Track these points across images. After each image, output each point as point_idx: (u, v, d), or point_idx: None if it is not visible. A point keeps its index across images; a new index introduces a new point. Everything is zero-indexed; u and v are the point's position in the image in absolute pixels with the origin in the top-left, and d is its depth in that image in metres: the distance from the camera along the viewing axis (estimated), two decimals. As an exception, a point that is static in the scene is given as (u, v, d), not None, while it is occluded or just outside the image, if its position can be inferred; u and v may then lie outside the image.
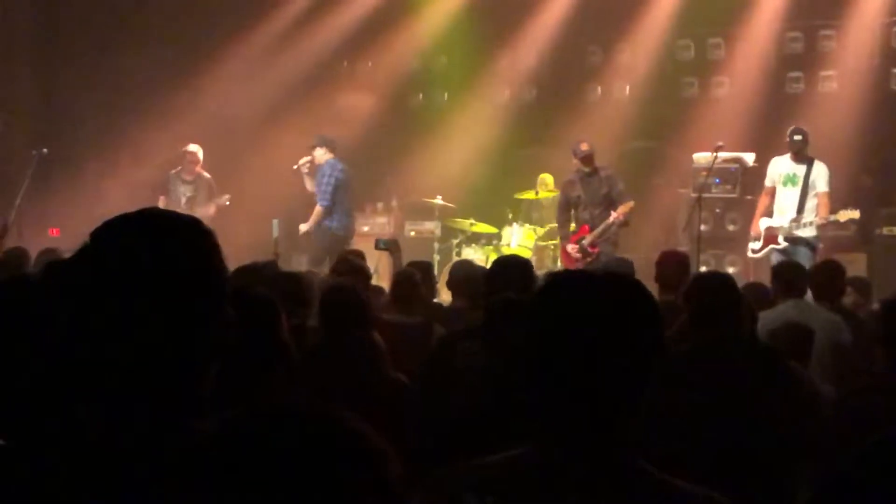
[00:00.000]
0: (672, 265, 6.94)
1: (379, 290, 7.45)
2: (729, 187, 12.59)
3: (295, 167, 11.73)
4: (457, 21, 14.60)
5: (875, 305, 7.15)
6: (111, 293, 1.57)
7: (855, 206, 10.44)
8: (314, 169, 11.70)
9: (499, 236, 12.81)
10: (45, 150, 11.70)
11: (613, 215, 10.73)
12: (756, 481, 3.97)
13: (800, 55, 13.68)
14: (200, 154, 12.45)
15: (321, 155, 11.60)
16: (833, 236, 12.14)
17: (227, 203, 12.45)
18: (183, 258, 1.64)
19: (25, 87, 14.24)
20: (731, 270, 11.23)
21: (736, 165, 12.50)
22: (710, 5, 13.68)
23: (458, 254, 12.70)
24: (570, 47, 14.45)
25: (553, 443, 1.95)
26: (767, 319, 5.98)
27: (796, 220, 10.27)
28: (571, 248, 11.04)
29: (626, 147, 13.58)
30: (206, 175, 12.53)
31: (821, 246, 11.09)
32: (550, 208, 12.75)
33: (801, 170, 10.36)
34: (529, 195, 12.85)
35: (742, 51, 13.82)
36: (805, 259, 9.73)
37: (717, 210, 12.49)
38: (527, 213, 13.29)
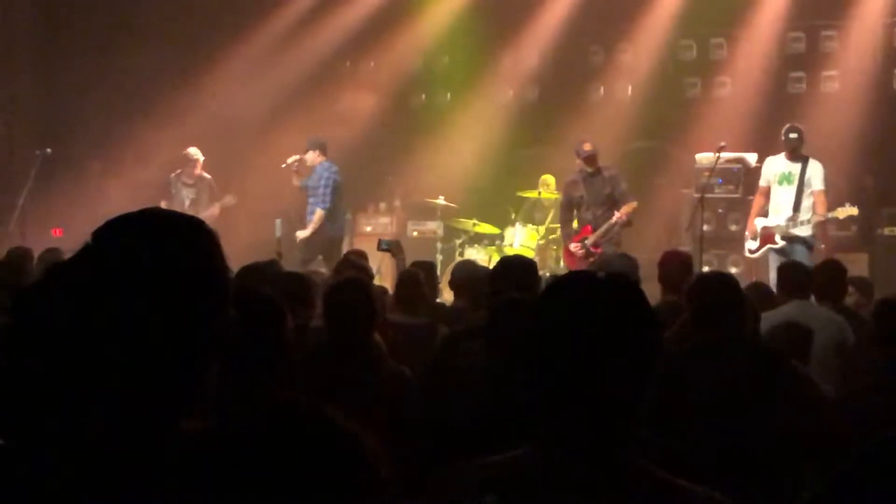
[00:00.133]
0: (674, 265, 6.92)
1: (382, 290, 7.45)
2: (731, 187, 12.58)
3: (284, 165, 11.76)
4: (459, 21, 14.60)
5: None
6: (112, 293, 1.57)
7: (858, 207, 10.43)
8: (303, 169, 11.72)
9: (501, 236, 12.81)
10: (48, 151, 11.72)
11: (616, 215, 10.73)
12: (758, 481, 3.98)
13: (802, 55, 13.68)
14: (200, 156, 12.45)
15: (314, 158, 11.61)
16: (835, 236, 12.15)
17: (234, 203, 12.46)
18: (184, 258, 1.64)
19: (27, 87, 14.25)
20: (733, 270, 11.23)
21: (738, 165, 12.49)
22: (712, 5, 13.67)
23: (461, 254, 12.70)
24: (573, 47, 14.45)
25: (554, 443, 1.95)
26: (771, 320, 5.98)
27: (792, 219, 10.25)
28: (574, 247, 11.04)
29: (629, 147, 13.57)
30: (207, 176, 12.53)
31: (822, 247, 11.10)
32: (553, 208, 12.75)
33: (796, 168, 10.34)
34: (532, 194, 12.85)
35: (744, 51, 13.82)
36: (802, 257, 9.73)
37: (720, 210, 12.48)
38: (529, 214, 13.28)
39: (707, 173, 11.39)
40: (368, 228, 14.41)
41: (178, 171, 12.51)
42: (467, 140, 14.39)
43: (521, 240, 12.51)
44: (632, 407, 1.95)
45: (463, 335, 4.84)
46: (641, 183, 12.30)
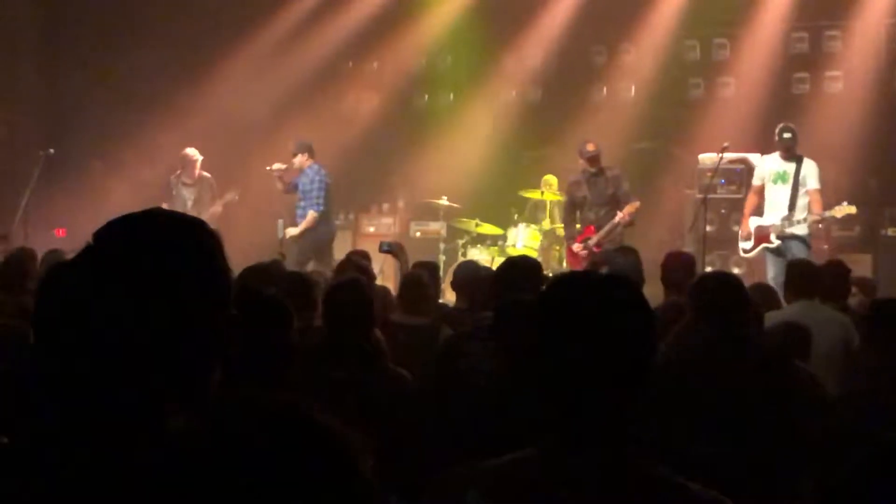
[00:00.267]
0: (677, 266, 6.92)
1: (384, 290, 7.45)
2: (734, 188, 12.58)
3: (268, 168, 11.77)
4: (462, 21, 14.61)
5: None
6: (113, 293, 1.57)
7: (862, 208, 10.41)
8: (288, 173, 11.72)
9: (504, 237, 12.80)
10: (51, 151, 11.72)
11: (619, 216, 10.72)
12: (762, 481, 3.97)
13: (805, 56, 13.67)
14: (199, 156, 12.45)
15: (302, 160, 11.62)
16: (838, 237, 12.14)
17: (237, 198, 12.45)
18: (186, 259, 1.64)
19: (31, 87, 14.26)
20: (736, 271, 11.21)
21: (741, 166, 12.48)
22: (715, 6, 13.68)
23: (464, 254, 12.70)
24: (576, 48, 14.45)
25: (555, 444, 1.95)
26: (778, 319, 5.99)
27: (788, 218, 10.22)
28: (577, 247, 11.05)
29: (632, 147, 13.56)
30: (207, 175, 12.52)
31: (825, 247, 11.08)
32: (555, 209, 12.76)
33: (790, 167, 10.31)
34: (535, 194, 12.85)
35: (748, 51, 13.81)
36: (801, 254, 9.72)
37: (723, 211, 12.48)
38: (532, 214, 13.28)
39: (710, 174, 11.39)
40: (371, 229, 14.41)
41: (178, 172, 12.50)
42: (470, 140, 14.40)
43: (524, 240, 12.51)
44: (633, 408, 1.95)
45: (465, 336, 4.84)
46: (644, 183, 12.29)
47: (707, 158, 12.21)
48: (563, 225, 11.65)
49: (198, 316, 1.62)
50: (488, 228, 12.95)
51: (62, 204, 12.60)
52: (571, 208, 11.22)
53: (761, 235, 10.42)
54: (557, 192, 12.50)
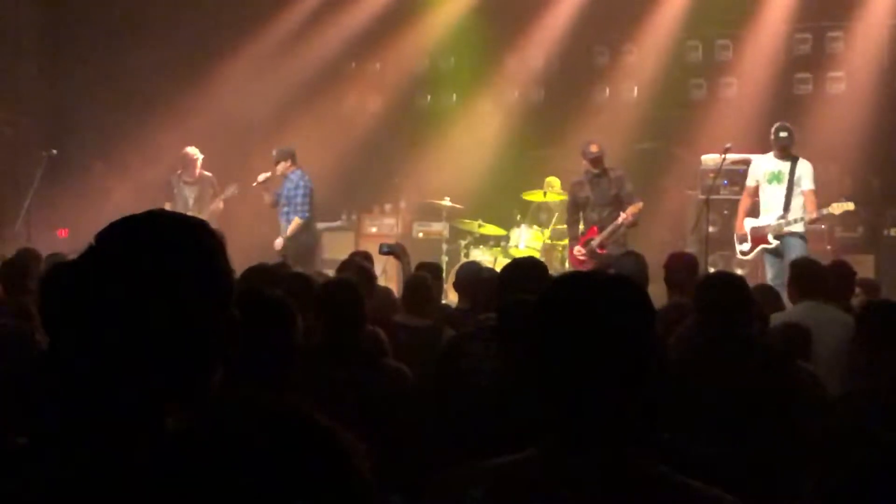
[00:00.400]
0: (680, 267, 6.92)
1: (386, 290, 7.45)
2: (737, 189, 12.52)
3: (255, 184, 11.76)
4: (465, 22, 14.61)
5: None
6: (114, 294, 1.57)
7: (864, 208, 10.40)
8: (273, 182, 11.71)
9: (507, 238, 12.80)
10: (53, 152, 11.72)
11: (622, 217, 10.71)
12: (763, 482, 3.97)
13: (808, 56, 13.67)
14: (199, 155, 12.45)
15: (284, 167, 11.60)
16: (841, 238, 12.13)
17: (237, 192, 12.44)
18: (187, 259, 1.64)
19: (33, 88, 14.26)
20: (738, 272, 11.20)
21: (744, 167, 12.41)
22: (717, 6, 13.67)
23: (467, 255, 12.69)
24: (578, 48, 14.45)
25: (558, 445, 1.95)
26: (784, 320, 5.99)
27: (783, 218, 10.21)
28: (579, 249, 11.05)
29: (634, 148, 13.55)
30: (208, 174, 12.53)
31: (829, 248, 11.07)
32: (558, 209, 12.76)
33: (785, 167, 10.30)
34: (538, 196, 12.85)
35: (750, 52, 13.80)
36: (800, 251, 9.71)
37: (725, 212, 12.46)
38: (535, 215, 13.29)
39: (712, 175, 11.38)
40: (374, 229, 14.41)
41: (179, 171, 12.51)
42: (473, 141, 14.40)
43: (527, 241, 12.51)
44: (635, 408, 1.95)
45: (467, 337, 4.84)
46: (647, 184, 12.28)
47: (709, 159, 12.20)
48: (566, 226, 11.65)
49: (199, 316, 1.62)
50: (491, 229, 12.96)
51: (65, 204, 12.60)
52: (574, 209, 11.22)
53: (758, 237, 10.40)
54: (560, 192, 12.50)
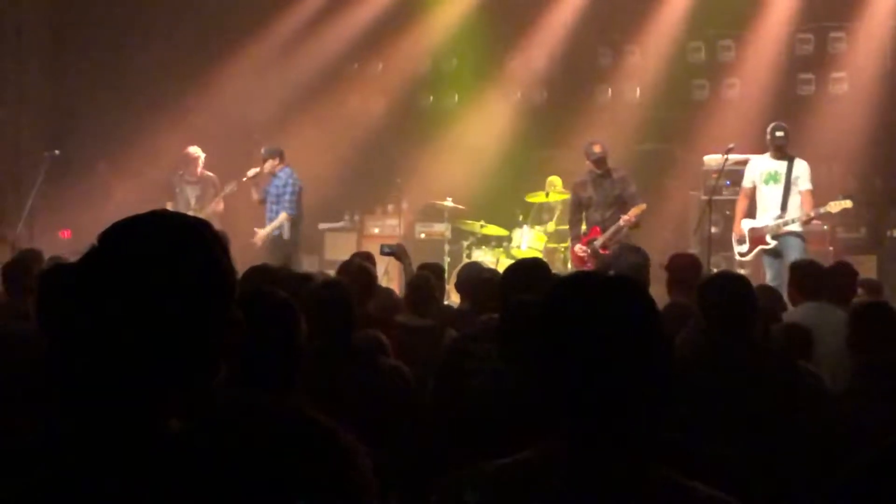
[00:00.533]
0: (683, 267, 6.90)
1: (389, 291, 7.46)
2: (739, 189, 12.56)
3: (244, 178, 11.81)
4: (467, 23, 14.61)
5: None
6: (115, 294, 1.58)
7: (867, 208, 10.39)
8: (261, 180, 11.74)
9: (509, 238, 12.79)
10: (56, 152, 11.73)
11: (624, 218, 10.70)
12: (765, 483, 3.97)
13: (810, 57, 13.67)
14: (201, 154, 12.46)
15: (272, 165, 11.66)
16: (843, 238, 12.12)
17: (236, 189, 12.45)
18: (189, 260, 1.64)
19: (36, 88, 14.27)
20: (741, 272, 11.20)
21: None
22: (720, 7, 13.67)
23: (469, 256, 12.69)
24: (581, 49, 14.46)
25: (561, 446, 1.95)
26: (786, 321, 5.98)
27: (781, 218, 10.19)
28: (579, 249, 11.04)
29: (637, 149, 13.56)
30: (209, 174, 12.54)
31: (831, 249, 11.05)
32: (560, 210, 12.75)
33: (782, 167, 10.29)
34: (540, 197, 12.85)
35: (753, 53, 13.80)
36: (798, 251, 9.70)
37: (728, 212, 12.44)
38: (537, 215, 13.28)
39: (715, 175, 11.37)
40: (376, 230, 14.41)
41: (181, 170, 12.52)
42: (475, 142, 14.40)
43: (529, 241, 12.50)
44: (640, 409, 1.95)
45: (470, 338, 4.84)
46: (649, 185, 12.29)
47: (712, 160, 12.20)
48: (568, 226, 11.64)
49: (201, 317, 1.62)
50: (493, 230, 12.95)
51: (68, 205, 12.61)
52: (577, 209, 11.21)
53: (756, 237, 10.39)
54: (563, 191, 12.49)
